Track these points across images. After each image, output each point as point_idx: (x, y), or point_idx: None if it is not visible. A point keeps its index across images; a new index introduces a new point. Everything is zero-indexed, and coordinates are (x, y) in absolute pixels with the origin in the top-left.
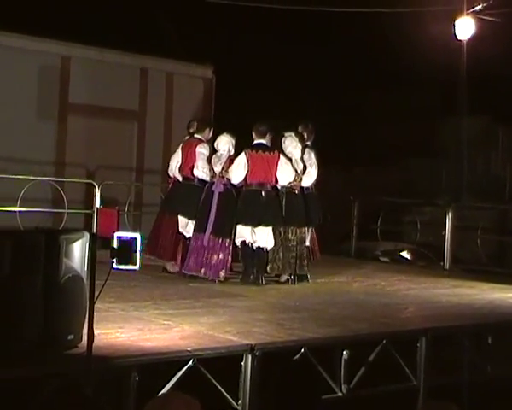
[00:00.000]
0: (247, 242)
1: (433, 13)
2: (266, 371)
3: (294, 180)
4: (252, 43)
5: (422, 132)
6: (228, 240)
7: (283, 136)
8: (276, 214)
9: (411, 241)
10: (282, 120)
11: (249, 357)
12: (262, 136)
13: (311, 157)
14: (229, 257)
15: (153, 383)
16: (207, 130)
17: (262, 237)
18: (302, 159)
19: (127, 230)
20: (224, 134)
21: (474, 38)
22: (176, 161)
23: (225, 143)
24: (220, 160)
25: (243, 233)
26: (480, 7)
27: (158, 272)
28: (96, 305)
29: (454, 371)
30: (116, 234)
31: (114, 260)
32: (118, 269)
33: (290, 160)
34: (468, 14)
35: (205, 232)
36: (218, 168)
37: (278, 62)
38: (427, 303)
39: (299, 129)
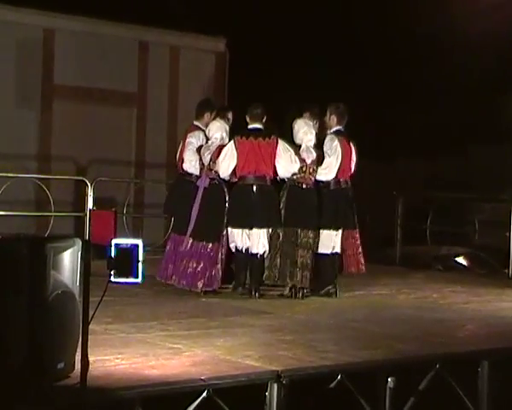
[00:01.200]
0: (239, 247)
1: None
2: (295, 402)
3: (303, 172)
4: (272, 12)
5: (480, 113)
6: (211, 244)
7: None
8: (271, 214)
9: (469, 244)
10: (308, 101)
11: (275, 386)
12: (257, 120)
13: (332, 145)
14: (218, 265)
15: None
16: (207, 115)
17: (254, 241)
18: (319, 147)
19: (126, 236)
20: (217, 119)
21: None
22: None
23: (217, 129)
24: (209, 149)
25: (234, 237)
26: None
27: (164, 286)
28: (90, 326)
29: None
30: (114, 241)
31: (112, 272)
32: (116, 283)
33: (299, 147)
34: None
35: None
36: (206, 159)
37: (303, 34)
38: (490, 319)
39: (328, 111)
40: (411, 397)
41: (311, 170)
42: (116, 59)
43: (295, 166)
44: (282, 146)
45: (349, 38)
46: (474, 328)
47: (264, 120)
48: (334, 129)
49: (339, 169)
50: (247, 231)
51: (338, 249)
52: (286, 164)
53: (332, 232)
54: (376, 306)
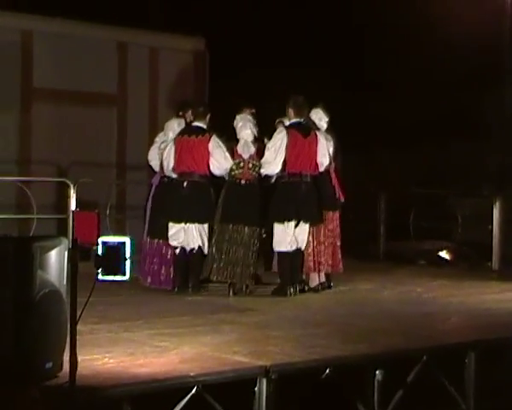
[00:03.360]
0: (176, 244)
1: None
2: (284, 397)
3: (241, 168)
4: (252, 8)
5: (461, 107)
6: (161, 241)
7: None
8: (200, 209)
9: (451, 239)
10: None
11: (264, 381)
12: (200, 117)
13: (275, 138)
14: (168, 263)
15: None
16: (180, 114)
17: (188, 236)
18: (259, 141)
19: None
20: (174, 117)
21: None
22: None
23: (168, 128)
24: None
25: (172, 232)
26: None
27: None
28: (77, 326)
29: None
30: (101, 239)
31: (99, 270)
32: (104, 281)
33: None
34: None
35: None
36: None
37: (284, 30)
38: (474, 311)
39: (286, 105)
40: (400, 390)
41: (249, 165)
42: (95, 60)
43: (227, 163)
44: (213, 143)
45: (333, 34)
46: (459, 321)
47: (207, 118)
48: (292, 121)
49: (287, 162)
50: (183, 225)
51: (301, 246)
52: (216, 161)
53: (285, 227)
54: (362, 301)
